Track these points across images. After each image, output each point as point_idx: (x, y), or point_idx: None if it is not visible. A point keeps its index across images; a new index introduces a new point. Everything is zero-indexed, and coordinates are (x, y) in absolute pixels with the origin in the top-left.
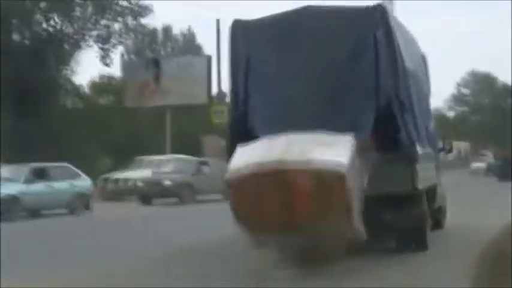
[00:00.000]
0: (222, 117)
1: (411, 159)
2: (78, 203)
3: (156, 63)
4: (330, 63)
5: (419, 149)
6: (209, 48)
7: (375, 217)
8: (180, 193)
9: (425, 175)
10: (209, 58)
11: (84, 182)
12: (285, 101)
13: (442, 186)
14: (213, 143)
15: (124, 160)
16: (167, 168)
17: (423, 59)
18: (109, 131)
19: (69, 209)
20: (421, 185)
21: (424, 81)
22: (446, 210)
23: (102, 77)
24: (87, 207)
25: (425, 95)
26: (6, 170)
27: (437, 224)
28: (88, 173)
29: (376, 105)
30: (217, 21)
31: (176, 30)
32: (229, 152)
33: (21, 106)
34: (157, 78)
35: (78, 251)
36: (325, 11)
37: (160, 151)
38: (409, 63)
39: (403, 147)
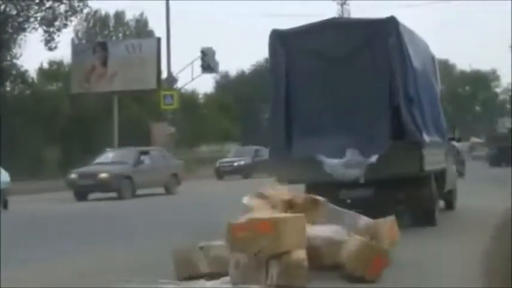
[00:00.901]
0: (171, 102)
1: (419, 146)
2: None
3: (104, 46)
4: (352, 67)
5: (426, 138)
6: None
7: (390, 196)
8: (118, 187)
9: (433, 159)
10: (158, 40)
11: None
12: (320, 109)
13: (452, 171)
14: (162, 131)
15: (71, 149)
16: (104, 158)
17: (433, 60)
18: (55, 119)
19: None
20: (429, 167)
21: (433, 79)
22: (456, 193)
23: (51, 63)
24: (4, 205)
25: (434, 92)
26: None
27: (450, 205)
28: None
29: (390, 104)
30: (167, 1)
31: (129, 16)
32: (272, 157)
33: None
34: (104, 62)
35: None
36: (347, 22)
37: (108, 140)
38: (417, 64)
39: (411, 136)
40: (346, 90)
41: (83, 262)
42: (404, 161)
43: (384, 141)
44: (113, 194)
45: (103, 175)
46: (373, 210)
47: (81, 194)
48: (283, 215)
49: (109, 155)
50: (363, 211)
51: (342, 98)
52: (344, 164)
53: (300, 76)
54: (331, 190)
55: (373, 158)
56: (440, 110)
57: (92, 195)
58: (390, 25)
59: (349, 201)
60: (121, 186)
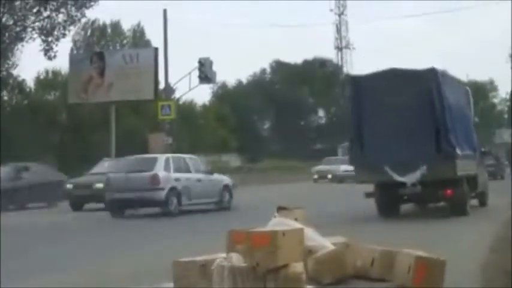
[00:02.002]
0: (168, 113)
1: (453, 158)
2: None
3: (101, 56)
4: (407, 103)
5: (459, 152)
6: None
7: (434, 194)
8: None
9: (464, 167)
10: (156, 50)
11: None
12: (384, 131)
13: (484, 177)
14: (159, 141)
15: (68, 159)
16: (100, 168)
17: (466, 93)
18: (52, 128)
19: None
20: (461, 173)
21: (467, 108)
22: (488, 194)
23: (49, 72)
24: None
25: (467, 118)
26: None
27: (483, 203)
28: None
29: (433, 130)
30: (165, 11)
31: (127, 26)
32: (353, 164)
33: None
34: (101, 73)
35: None
36: (402, 71)
37: (105, 149)
38: (452, 100)
39: (447, 151)
40: (403, 119)
41: (76, 276)
42: (444, 169)
43: (430, 155)
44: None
45: (99, 185)
46: (422, 203)
47: (77, 204)
48: (282, 228)
49: (105, 165)
50: (414, 203)
51: (401, 124)
52: (404, 170)
53: (371, 109)
54: (393, 189)
55: (424, 167)
56: (473, 131)
57: (87, 205)
58: (431, 74)
59: (405, 197)
60: None
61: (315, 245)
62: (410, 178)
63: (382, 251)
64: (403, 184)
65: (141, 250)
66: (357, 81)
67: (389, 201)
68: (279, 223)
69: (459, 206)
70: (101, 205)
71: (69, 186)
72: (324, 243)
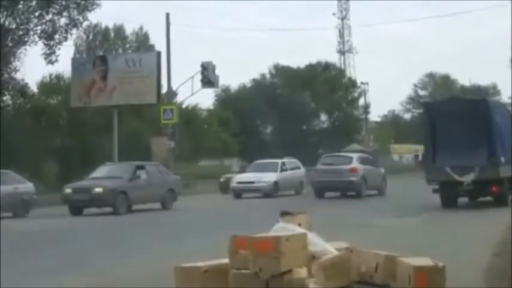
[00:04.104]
0: (171, 117)
1: (497, 163)
2: None
3: (104, 60)
4: (466, 122)
5: (502, 159)
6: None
7: (484, 190)
8: (113, 202)
9: (505, 171)
10: (158, 54)
11: None
12: (448, 143)
13: None
14: (162, 145)
15: (70, 163)
16: (99, 173)
17: (507, 112)
18: (55, 132)
19: None
20: (503, 175)
21: (508, 125)
22: None
23: (52, 76)
24: None
25: (507, 133)
26: None
27: None
28: (34, 177)
29: (486, 143)
30: (167, 15)
31: (130, 29)
32: (423, 167)
33: None
34: (104, 76)
35: None
36: (463, 99)
37: (107, 154)
38: (499, 120)
39: (494, 158)
40: (463, 135)
41: (75, 281)
42: (491, 171)
43: (481, 161)
44: (108, 209)
45: (98, 190)
46: (474, 198)
47: (76, 208)
48: (285, 233)
49: (104, 170)
50: (468, 198)
51: (460, 139)
52: (462, 172)
53: (439, 127)
54: (453, 186)
55: (476, 170)
56: (510, 142)
57: (86, 210)
58: (484, 102)
59: (462, 193)
60: (116, 201)
61: (318, 250)
62: (467, 178)
63: (386, 257)
64: (461, 183)
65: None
66: (429, 106)
67: (450, 196)
68: (282, 228)
69: (502, 200)
70: (101, 210)
71: (67, 190)
72: (328, 248)
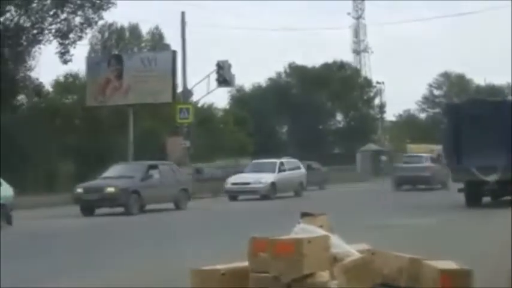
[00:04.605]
0: (187, 116)
1: None
2: None
3: (119, 59)
4: (488, 123)
5: None
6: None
7: (506, 189)
8: (125, 201)
9: None
10: (174, 53)
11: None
12: (473, 144)
13: None
14: (177, 144)
15: (85, 163)
16: (111, 172)
17: None
18: (70, 132)
19: None
20: None
21: None
22: None
23: (67, 75)
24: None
25: None
26: None
27: None
28: (49, 177)
29: (510, 145)
30: (183, 13)
31: (145, 29)
32: (449, 167)
33: None
34: (119, 75)
35: None
36: (485, 100)
37: (123, 153)
38: None
39: None
40: (486, 136)
41: (86, 282)
42: None
43: (505, 162)
44: (120, 209)
45: (110, 189)
46: (496, 197)
47: (88, 208)
48: (306, 235)
49: (117, 169)
50: (491, 197)
51: (484, 139)
52: (486, 172)
53: (462, 127)
54: (477, 186)
55: (500, 170)
56: None
57: (98, 210)
58: (507, 103)
59: (486, 192)
60: (128, 201)
61: (340, 252)
62: (491, 178)
63: (409, 259)
64: (485, 182)
65: None
66: (452, 107)
67: (475, 195)
68: (302, 230)
69: None
70: (113, 210)
71: (79, 190)
72: (350, 250)
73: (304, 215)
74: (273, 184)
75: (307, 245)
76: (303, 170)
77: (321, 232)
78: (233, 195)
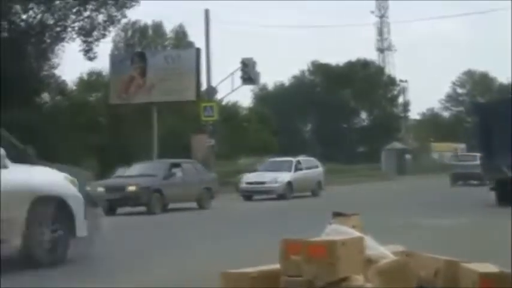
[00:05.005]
0: (211, 114)
1: None
2: None
3: (142, 57)
4: None
5: None
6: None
7: None
8: (147, 200)
9: None
10: (198, 50)
11: None
12: (503, 142)
13: None
14: (202, 142)
15: (109, 161)
16: (133, 171)
17: None
18: (93, 130)
19: None
20: None
21: None
22: None
23: (91, 73)
24: None
25: None
26: None
27: None
28: (73, 175)
29: None
30: (207, 11)
31: (169, 27)
32: (482, 167)
33: None
34: (143, 73)
35: None
36: (510, 99)
37: (147, 151)
38: None
39: None
40: None
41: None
42: None
43: None
44: (142, 209)
45: (131, 188)
46: None
47: (109, 207)
48: (339, 236)
49: (138, 168)
50: None
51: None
52: None
53: (491, 126)
54: (509, 184)
55: None
56: None
57: (120, 210)
58: None
59: None
60: (150, 200)
61: (374, 254)
62: None
63: (446, 262)
64: None
65: None
66: (481, 107)
67: (506, 194)
68: (334, 231)
69: None
70: (134, 209)
71: (100, 189)
72: (384, 252)
73: (336, 214)
74: (289, 183)
75: (341, 247)
76: (320, 169)
77: (355, 233)
78: (248, 195)
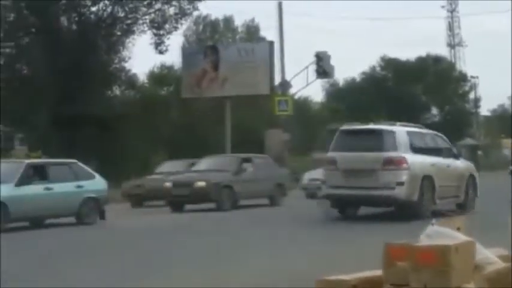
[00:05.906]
0: (285, 108)
1: None
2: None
3: (215, 50)
4: None
5: None
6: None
7: None
8: (217, 197)
9: None
10: (271, 44)
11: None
12: None
13: None
14: (276, 137)
15: (181, 156)
16: (201, 166)
17: None
18: (165, 124)
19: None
20: None
21: None
22: None
23: (162, 67)
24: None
25: None
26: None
27: None
28: (144, 170)
29: None
30: (279, 4)
31: (240, 21)
32: None
33: (68, 96)
34: (215, 67)
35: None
36: None
37: (220, 146)
38: None
39: None
40: None
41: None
42: None
43: None
44: (212, 205)
45: (200, 184)
46: None
47: (177, 204)
48: (447, 240)
49: (207, 162)
50: None
51: None
52: None
53: None
54: None
55: None
56: None
57: (188, 206)
58: None
59: None
60: (220, 196)
61: (481, 258)
62: None
63: None
64: None
65: None
66: None
67: None
68: (437, 233)
69: None
70: (203, 206)
71: (168, 184)
72: (491, 256)
73: (439, 215)
74: None
75: (454, 254)
76: None
77: (461, 236)
78: (311, 193)
